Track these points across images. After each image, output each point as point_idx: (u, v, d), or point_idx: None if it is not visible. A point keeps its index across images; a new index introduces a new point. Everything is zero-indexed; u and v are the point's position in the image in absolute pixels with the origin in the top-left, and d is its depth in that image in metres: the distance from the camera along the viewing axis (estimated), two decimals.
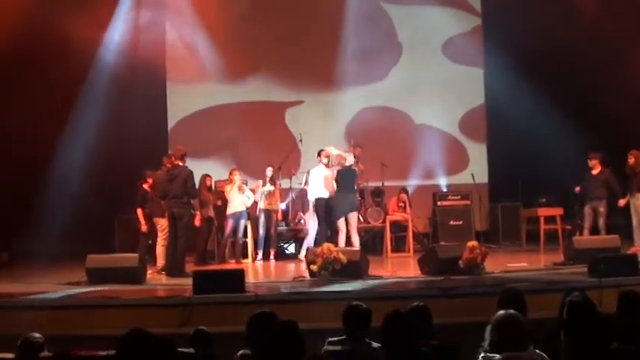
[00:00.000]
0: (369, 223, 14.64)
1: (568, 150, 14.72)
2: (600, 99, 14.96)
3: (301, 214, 14.05)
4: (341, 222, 12.51)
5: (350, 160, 12.91)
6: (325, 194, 12.80)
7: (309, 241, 13.39)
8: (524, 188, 16.30)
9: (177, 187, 11.46)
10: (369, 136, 15.89)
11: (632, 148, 13.17)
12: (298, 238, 15.47)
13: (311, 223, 13.57)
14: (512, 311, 4.72)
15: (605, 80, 14.95)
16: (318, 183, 12.89)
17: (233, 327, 7.28)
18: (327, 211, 12.79)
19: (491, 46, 17.23)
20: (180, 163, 11.60)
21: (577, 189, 13.51)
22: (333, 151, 13.00)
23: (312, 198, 13.03)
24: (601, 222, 13.18)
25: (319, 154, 13.07)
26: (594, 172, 13.32)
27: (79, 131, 15.16)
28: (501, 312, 4.68)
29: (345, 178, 12.64)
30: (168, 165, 11.92)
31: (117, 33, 15.88)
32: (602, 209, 13.17)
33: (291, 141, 16.02)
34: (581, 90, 15.36)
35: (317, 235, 13.09)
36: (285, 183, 15.22)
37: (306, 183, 13.82)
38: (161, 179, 11.90)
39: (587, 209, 13.37)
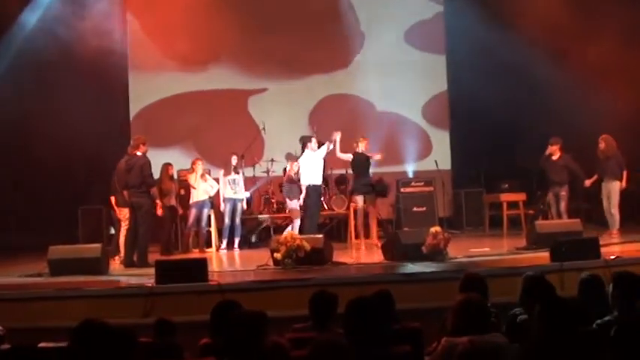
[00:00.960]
0: (333, 210, 14.67)
1: (530, 136, 14.82)
2: (561, 84, 15.06)
3: (288, 201, 13.92)
4: (359, 201, 12.88)
5: (361, 147, 13.27)
6: (317, 181, 12.79)
7: (295, 227, 13.31)
8: (487, 174, 16.43)
9: (134, 176, 11.41)
10: (332, 124, 15.87)
11: (591, 135, 13.39)
12: (264, 227, 15.44)
13: (295, 210, 13.57)
14: (473, 295, 4.75)
15: (566, 66, 15.06)
16: (309, 169, 12.84)
17: (196, 316, 7.31)
18: (317, 198, 12.92)
19: (453, 33, 17.29)
20: (139, 153, 11.52)
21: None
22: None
23: (305, 183, 13.03)
24: (562, 206, 13.35)
25: (309, 141, 12.92)
26: (554, 157, 13.47)
27: (40, 121, 14.96)
28: (464, 296, 4.70)
29: (358, 163, 13.10)
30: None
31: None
32: (563, 193, 13.34)
33: (254, 129, 15.96)
34: (542, 76, 15.44)
35: (306, 220, 13.05)
36: (248, 172, 15.16)
37: (297, 172, 13.72)
38: (121, 169, 11.81)
39: (550, 195, 13.55)
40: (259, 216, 14.89)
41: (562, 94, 14.97)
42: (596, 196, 13.72)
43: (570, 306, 4.71)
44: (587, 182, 13.50)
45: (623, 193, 13.18)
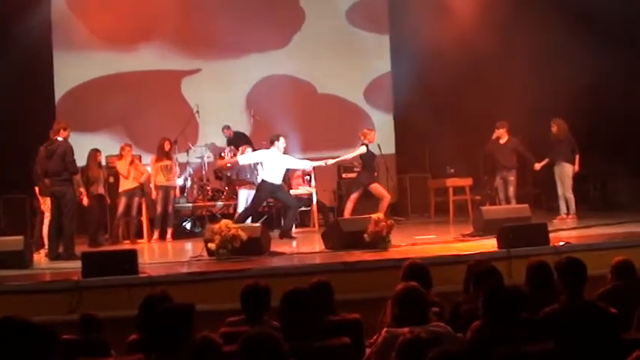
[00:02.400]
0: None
1: (477, 119, 14.94)
2: (508, 65, 15.22)
3: (239, 190, 13.92)
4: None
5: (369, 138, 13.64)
6: (274, 180, 12.72)
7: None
8: (432, 158, 16.53)
9: (55, 163, 11.19)
10: (270, 107, 15.86)
11: (539, 118, 13.57)
12: (198, 216, 15.34)
13: (241, 196, 13.55)
14: (412, 283, 4.76)
15: (513, 46, 15.22)
16: (270, 167, 12.77)
17: (126, 311, 7.22)
18: (265, 196, 12.97)
19: (396, 11, 17.32)
20: (59, 138, 11.31)
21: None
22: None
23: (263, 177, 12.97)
24: (511, 191, 13.51)
25: (277, 140, 12.87)
26: (502, 141, 13.62)
27: None
28: (401, 285, 4.71)
29: (369, 155, 13.50)
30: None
31: None
32: (511, 178, 13.51)
33: (188, 112, 15.79)
34: (489, 57, 15.54)
35: (243, 211, 13.07)
36: (182, 157, 15.02)
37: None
38: (42, 156, 11.59)
39: (497, 180, 13.69)
40: (218, 203, 14.79)
41: (509, 75, 15.12)
42: (546, 181, 13.93)
43: (514, 294, 4.75)
44: (537, 166, 13.70)
45: (576, 177, 13.40)
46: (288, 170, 13.51)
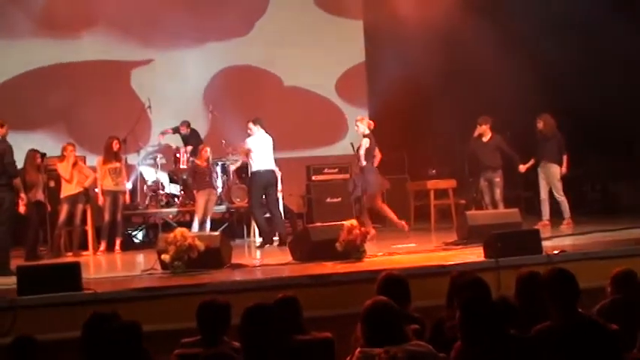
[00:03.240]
0: (232, 203, 14.57)
1: (460, 114, 14.97)
2: (493, 55, 15.29)
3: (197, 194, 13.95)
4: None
5: (363, 128, 13.49)
6: (266, 166, 13.01)
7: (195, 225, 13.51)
8: (411, 159, 16.54)
9: None
10: (230, 101, 15.82)
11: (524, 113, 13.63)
12: (150, 224, 15.29)
13: (199, 202, 13.60)
14: (381, 298, 4.75)
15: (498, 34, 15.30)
16: (260, 152, 13.03)
17: (68, 333, 7.18)
18: (257, 189, 13.10)
19: None
20: None
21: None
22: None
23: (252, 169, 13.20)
24: (497, 194, 13.51)
25: (257, 122, 13.12)
26: (485, 139, 13.63)
27: None
28: (369, 301, 4.70)
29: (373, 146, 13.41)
30: None
31: None
32: (497, 179, 13.50)
33: (139, 107, 15.73)
34: (473, 45, 15.61)
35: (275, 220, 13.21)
36: (132, 158, 14.97)
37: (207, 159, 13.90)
38: None
39: (482, 182, 13.69)
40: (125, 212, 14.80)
41: (497, 65, 15.17)
42: (537, 183, 13.96)
43: (498, 307, 4.74)
44: (522, 167, 13.72)
45: (564, 179, 13.44)
46: None
